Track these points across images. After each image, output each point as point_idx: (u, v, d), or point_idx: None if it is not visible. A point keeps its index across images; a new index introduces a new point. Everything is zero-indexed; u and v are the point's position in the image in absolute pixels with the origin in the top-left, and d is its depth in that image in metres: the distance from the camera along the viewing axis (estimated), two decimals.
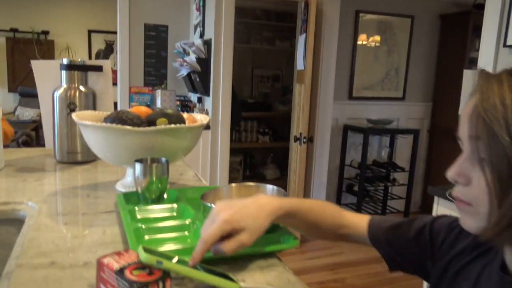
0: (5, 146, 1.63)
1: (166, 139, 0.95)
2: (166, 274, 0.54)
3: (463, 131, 0.53)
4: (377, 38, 4.01)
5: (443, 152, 4.17)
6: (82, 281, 0.62)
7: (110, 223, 0.85)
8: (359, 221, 0.80)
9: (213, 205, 0.77)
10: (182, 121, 0.99)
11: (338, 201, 4.07)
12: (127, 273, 0.53)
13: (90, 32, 6.96)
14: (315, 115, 3.61)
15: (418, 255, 0.73)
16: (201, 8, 3.51)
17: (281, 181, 4.62)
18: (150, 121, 0.97)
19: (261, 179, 5.05)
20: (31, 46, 6.52)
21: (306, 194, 3.73)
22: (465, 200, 0.55)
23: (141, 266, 0.55)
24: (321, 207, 0.79)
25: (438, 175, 2.54)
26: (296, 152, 3.51)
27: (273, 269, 0.68)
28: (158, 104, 3.42)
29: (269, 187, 0.88)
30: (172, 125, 0.94)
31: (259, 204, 0.67)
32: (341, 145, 4.02)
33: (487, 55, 2.11)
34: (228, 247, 0.62)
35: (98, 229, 0.82)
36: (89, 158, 1.37)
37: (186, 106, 3.61)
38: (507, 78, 0.50)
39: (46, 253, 0.70)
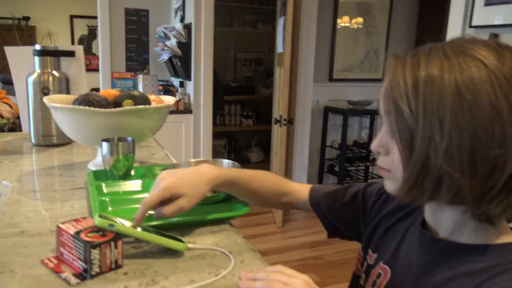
0: None
1: (133, 119, 1.01)
2: (118, 236, 0.61)
3: (380, 107, 0.61)
4: (357, 20, 4.06)
5: None
6: (47, 246, 0.69)
7: (79, 198, 0.92)
8: (302, 188, 0.88)
9: None
10: (147, 102, 1.05)
11: (320, 182, 4.17)
12: (82, 235, 0.60)
13: (72, 17, 6.88)
14: (295, 97, 3.68)
15: (352, 218, 0.81)
16: None
17: (265, 164, 4.70)
18: (117, 103, 1.03)
19: (246, 162, 5.13)
20: (12, 33, 6.44)
21: (288, 175, 3.82)
22: (385, 168, 0.62)
23: (96, 229, 0.62)
24: (262, 177, 0.86)
25: None
26: (277, 134, 3.58)
27: (223, 233, 0.75)
28: (140, 89, 3.45)
29: (225, 161, 0.95)
30: (137, 106, 1.00)
31: (199, 172, 0.74)
32: (322, 126, 4.10)
33: (455, 35, 2.18)
34: (168, 210, 0.70)
35: (67, 203, 0.88)
36: (65, 141, 1.43)
37: (169, 90, 3.65)
38: (410, 59, 0.57)
39: (16, 223, 0.77)
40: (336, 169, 4.09)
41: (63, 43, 6.78)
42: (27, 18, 6.59)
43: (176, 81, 3.82)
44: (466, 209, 0.56)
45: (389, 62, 0.59)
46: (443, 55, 0.54)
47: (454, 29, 2.18)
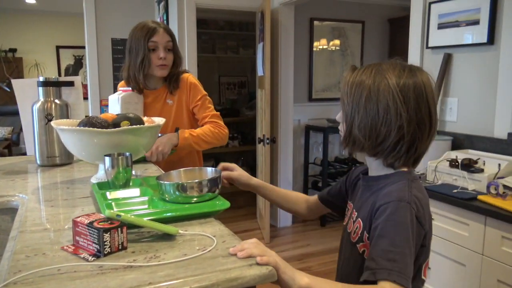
0: None
1: (129, 137, 1.19)
2: (123, 224, 0.79)
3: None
4: (334, 42, 4.33)
5: None
6: (66, 238, 0.86)
7: (87, 204, 1.09)
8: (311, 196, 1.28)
9: (165, 183, 1.02)
10: (141, 122, 1.23)
11: None
12: (95, 224, 0.78)
13: (58, 47, 7.07)
14: (277, 117, 3.89)
15: (342, 193, 1.16)
16: (165, 21, 3.75)
17: None
18: (115, 124, 1.21)
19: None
20: None
21: None
22: (341, 130, 0.98)
23: (104, 220, 0.80)
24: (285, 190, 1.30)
25: None
26: (262, 153, 3.77)
27: (209, 224, 0.93)
28: None
29: (209, 169, 1.13)
30: (133, 126, 1.18)
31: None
32: (304, 144, 4.29)
33: (415, 55, 2.42)
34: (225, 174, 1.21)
35: (78, 208, 1.05)
36: (67, 161, 1.60)
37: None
38: (355, 71, 0.93)
39: (39, 224, 0.94)
40: (320, 184, 4.27)
41: (50, 74, 6.94)
42: (13, 50, 6.74)
43: None
44: (377, 158, 0.94)
45: (345, 72, 0.96)
46: (370, 72, 0.90)
47: (414, 49, 2.42)
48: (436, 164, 1.91)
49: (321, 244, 3.57)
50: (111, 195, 1.08)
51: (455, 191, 1.72)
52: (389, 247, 0.79)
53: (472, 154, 1.96)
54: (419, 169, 2.04)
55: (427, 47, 2.33)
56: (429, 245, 0.90)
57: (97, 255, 0.77)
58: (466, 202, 1.62)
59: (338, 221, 4.19)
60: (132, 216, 0.82)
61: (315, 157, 4.30)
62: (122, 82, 1.86)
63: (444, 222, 1.74)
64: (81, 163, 1.62)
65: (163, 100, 1.83)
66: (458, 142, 2.15)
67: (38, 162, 1.57)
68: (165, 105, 1.83)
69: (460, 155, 1.91)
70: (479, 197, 1.63)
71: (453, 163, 1.85)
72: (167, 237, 0.84)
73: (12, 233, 0.89)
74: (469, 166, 1.80)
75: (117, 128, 1.16)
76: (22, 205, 1.09)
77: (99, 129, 1.14)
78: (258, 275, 0.70)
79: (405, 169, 0.94)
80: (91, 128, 1.14)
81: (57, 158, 1.56)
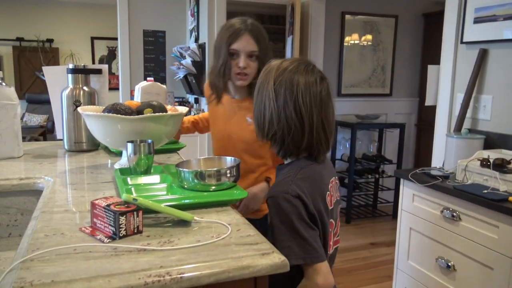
0: None
1: (152, 125, 1.20)
2: (139, 208, 0.80)
3: None
4: (366, 37, 4.24)
5: (429, 143, 4.38)
6: (86, 219, 0.88)
7: (108, 189, 1.11)
8: None
9: (184, 170, 1.02)
10: (164, 110, 1.25)
11: None
12: (112, 206, 0.79)
13: (93, 39, 7.24)
14: None
15: None
16: (195, 14, 3.77)
17: None
18: (139, 111, 1.22)
19: None
20: (36, 54, 6.80)
21: None
22: None
23: (122, 203, 0.81)
24: None
25: (426, 165, 2.77)
26: None
27: (225, 212, 0.93)
28: None
29: (228, 158, 1.13)
30: (156, 113, 1.19)
31: None
32: None
33: (448, 51, 2.34)
34: None
35: (99, 192, 1.07)
36: (93, 147, 1.63)
37: (184, 107, 3.86)
38: (268, 64, 1.03)
39: (61, 205, 0.96)
40: (346, 181, 4.21)
41: (85, 63, 7.12)
42: (50, 41, 6.96)
43: (191, 98, 4.04)
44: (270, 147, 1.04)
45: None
46: (265, 69, 1.01)
47: (447, 45, 2.34)
48: (466, 163, 1.84)
49: (345, 241, 3.52)
50: (132, 180, 1.09)
51: (485, 191, 1.65)
52: (279, 237, 0.90)
53: (505, 154, 1.88)
54: (449, 167, 1.98)
55: (462, 42, 2.25)
56: (322, 223, 0.97)
57: (113, 237, 0.78)
58: (496, 203, 1.56)
59: (363, 219, 4.13)
60: (150, 201, 0.82)
61: (342, 153, 4.24)
62: (207, 82, 1.69)
63: (473, 224, 1.68)
64: (107, 149, 1.66)
65: (242, 115, 1.51)
66: (491, 141, 2.06)
67: (66, 147, 1.61)
68: (242, 122, 1.51)
69: (493, 154, 1.83)
70: (511, 198, 1.56)
71: (484, 163, 1.78)
72: (183, 223, 0.85)
73: (34, 213, 0.92)
74: (501, 166, 1.72)
75: (140, 115, 1.18)
76: (47, 187, 1.12)
77: (123, 116, 1.16)
78: (270, 264, 0.69)
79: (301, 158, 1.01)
80: (115, 115, 1.16)
81: (84, 144, 1.60)
